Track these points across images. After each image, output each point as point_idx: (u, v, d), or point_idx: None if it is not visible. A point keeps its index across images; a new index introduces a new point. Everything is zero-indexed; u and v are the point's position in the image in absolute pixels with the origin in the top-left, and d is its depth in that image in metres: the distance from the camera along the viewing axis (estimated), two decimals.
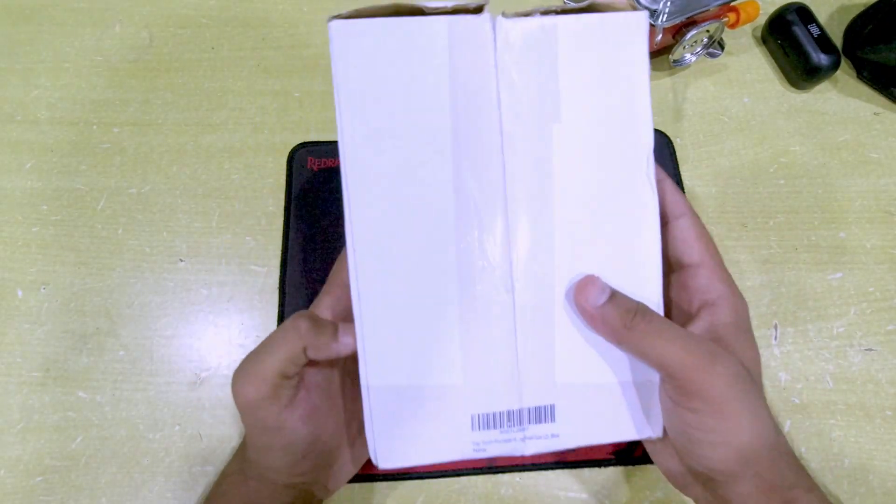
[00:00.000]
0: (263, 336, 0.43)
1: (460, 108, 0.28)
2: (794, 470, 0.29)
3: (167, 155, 0.49)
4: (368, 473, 0.40)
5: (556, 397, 0.29)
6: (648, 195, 0.29)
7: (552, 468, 0.41)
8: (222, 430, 0.41)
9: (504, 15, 0.28)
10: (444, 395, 0.29)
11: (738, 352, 0.28)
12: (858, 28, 0.55)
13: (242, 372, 0.28)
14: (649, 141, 0.29)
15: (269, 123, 0.51)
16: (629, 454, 0.41)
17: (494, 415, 0.29)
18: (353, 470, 0.34)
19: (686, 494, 0.31)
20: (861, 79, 0.54)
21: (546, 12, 0.28)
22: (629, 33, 0.28)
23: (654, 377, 0.30)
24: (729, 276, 0.30)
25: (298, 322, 0.28)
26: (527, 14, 0.28)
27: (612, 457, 0.41)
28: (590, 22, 0.28)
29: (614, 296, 0.28)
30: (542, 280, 0.29)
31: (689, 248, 0.30)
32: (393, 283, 0.28)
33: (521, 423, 0.29)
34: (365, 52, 0.27)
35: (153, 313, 0.44)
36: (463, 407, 0.29)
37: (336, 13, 0.27)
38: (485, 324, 0.29)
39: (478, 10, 0.27)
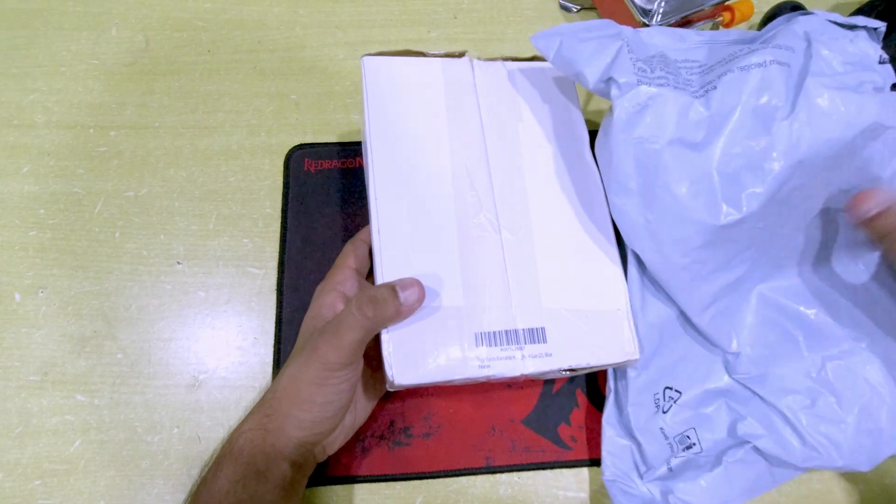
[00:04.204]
0: (262, 338, 0.44)
1: (452, 111, 0.40)
2: None
3: (164, 158, 0.49)
4: (370, 475, 0.40)
5: (544, 321, 0.35)
6: (590, 166, 0.40)
7: (551, 468, 0.41)
8: (221, 432, 0.41)
9: (478, 59, 0.43)
10: (450, 315, 0.34)
11: None
12: None
13: (327, 340, 0.33)
14: (585, 135, 0.41)
15: (266, 125, 0.51)
16: None
17: (495, 333, 0.34)
18: (344, 439, 0.38)
19: None
20: None
21: (505, 59, 0.43)
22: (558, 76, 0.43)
23: (621, 306, 0.37)
24: None
25: (365, 308, 0.32)
26: (493, 59, 0.43)
27: None
28: (534, 66, 0.43)
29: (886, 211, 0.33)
30: (520, 224, 0.38)
31: None
32: (406, 225, 0.36)
33: (518, 342, 0.35)
34: (387, 78, 0.40)
35: (151, 316, 0.44)
36: (467, 326, 0.34)
37: (366, 53, 0.41)
38: (479, 256, 0.36)
39: (461, 55, 0.42)
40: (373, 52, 0.41)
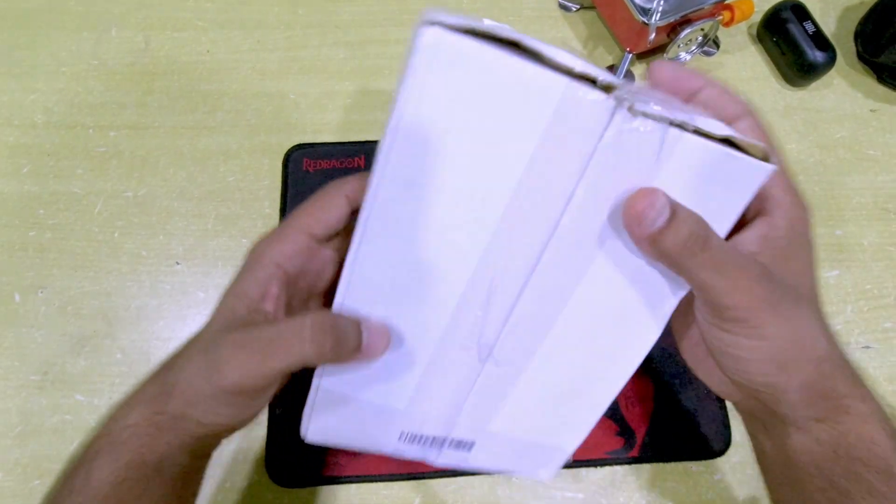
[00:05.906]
0: None
1: (530, 183, 0.24)
2: (848, 382, 0.27)
3: (163, 158, 0.49)
4: (369, 475, 0.40)
5: (479, 438, 0.32)
6: (653, 332, 0.28)
7: None
8: None
9: (630, 110, 0.22)
10: (385, 412, 0.30)
11: (787, 265, 0.26)
12: (872, 32, 0.53)
13: (244, 362, 0.25)
14: (674, 299, 0.28)
15: (266, 125, 0.51)
16: (625, 454, 0.41)
17: (422, 436, 0.31)
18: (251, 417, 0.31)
19: (732, 401, 0.30)
20: (881, 82, 0.53)
21: (674, 124, 0.23)
22: (744, 182, 0.25)
23: (568, 450, 0.33)
24: (789, 182, 0.27)
25: (322, 339, 0.25)
26: (655, 118, 0.23)
27: (608, 457, 0.41)
28: (716, 153, 0.24)
29: (675, 216, 0.23)
30: (516, 358, 0.29)
31: None
32: (387, 293, 0.26)
33: (440, 447, 0.32)
34: (453, 80, 0.21)
35: (150, 316, 0.44)
36: (397, 424, 0.31)
37: (430, 18, 0.20)
38: (447, 376, 0.29)
39: (606, 88, 0.22)
40: (441, 19, 0.21)
